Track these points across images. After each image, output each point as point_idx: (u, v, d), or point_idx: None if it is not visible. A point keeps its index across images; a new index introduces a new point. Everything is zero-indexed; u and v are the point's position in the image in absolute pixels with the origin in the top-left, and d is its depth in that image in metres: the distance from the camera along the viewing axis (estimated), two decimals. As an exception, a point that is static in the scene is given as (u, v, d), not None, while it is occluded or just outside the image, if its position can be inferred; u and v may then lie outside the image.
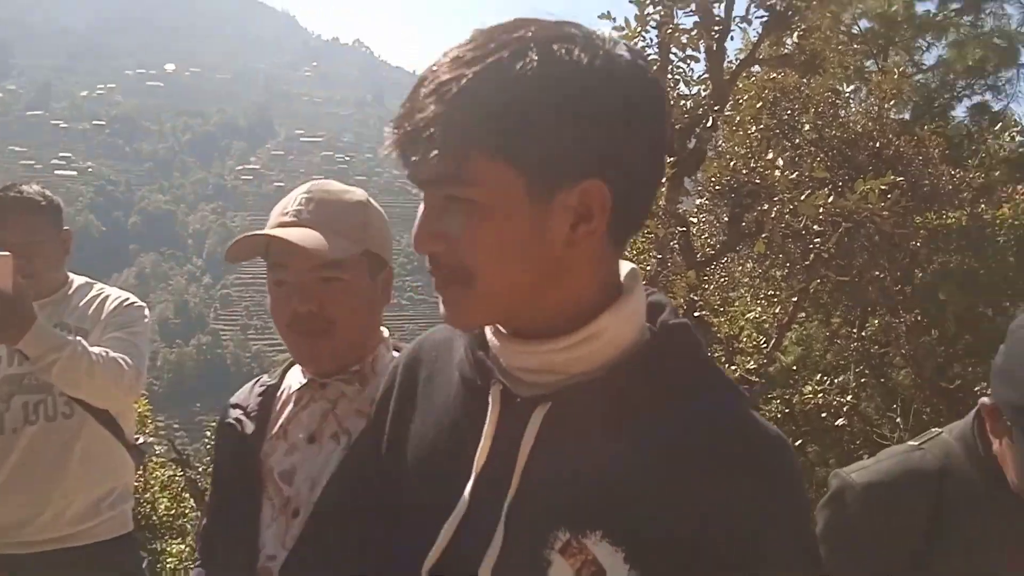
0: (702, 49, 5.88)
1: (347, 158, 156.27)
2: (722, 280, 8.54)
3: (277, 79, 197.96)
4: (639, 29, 5.41)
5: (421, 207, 0.81)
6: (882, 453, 1.25)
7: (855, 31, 10.03)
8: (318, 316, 1.25)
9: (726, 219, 8.67)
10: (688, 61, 6.00)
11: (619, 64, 0.77)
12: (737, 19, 6.15)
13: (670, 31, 5.52)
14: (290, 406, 1.37)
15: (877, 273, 8.95)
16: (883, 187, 7.08)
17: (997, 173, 9.52)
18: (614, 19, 5.29)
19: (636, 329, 0.84)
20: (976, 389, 6.96)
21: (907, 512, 1.15)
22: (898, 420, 7.99)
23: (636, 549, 0.77)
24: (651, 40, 5.57)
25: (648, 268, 6.26)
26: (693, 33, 5.69)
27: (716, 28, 5.95)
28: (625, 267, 0.89)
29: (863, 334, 9.78)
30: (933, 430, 1.25)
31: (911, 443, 1.23)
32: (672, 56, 5.86)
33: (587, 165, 0.77)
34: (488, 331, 0.89)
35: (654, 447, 0.79)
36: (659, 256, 6.44)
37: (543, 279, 0.80)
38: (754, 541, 0.76)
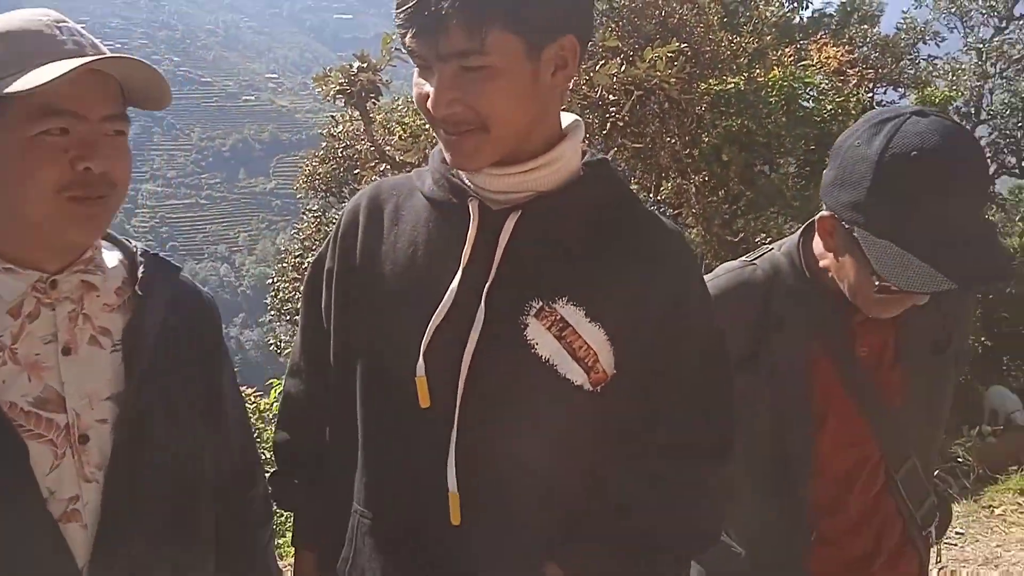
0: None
1: (118, 45, 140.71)
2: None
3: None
4: None
5: (436, 78, 0.95)
6: (719, 268, 1.38)
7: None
8: None
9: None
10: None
11: None
12: None
13: None
14: (8, 320, 1.04)
15: (668, 139, 9.49)
16: (669, 54, 7.38)
17: (768, 38, 10.22)
18: None
19: (578, 160, 1.08)
20: (757, 240, 7.63)
21: (739, 318, 1.27)
22: (692, 274, 8.67)
23: (594, 307, 1.02)
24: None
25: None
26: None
27: None
28: (566, 115, 1.11)
29: (659, 197, 10.44)
30: (764, 247, 1.39)
31: (745, 258, 1.36)
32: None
33: (564, 23, 0.98)
34: None
35: (601, 237, 1.05)
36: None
37: (535, 120, 1.02)
38: (684, 301, 1.04)
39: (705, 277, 1.30)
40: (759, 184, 9.22)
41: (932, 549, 1.41)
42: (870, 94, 16.06)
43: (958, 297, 1.34)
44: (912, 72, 16.66)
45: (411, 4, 0.92)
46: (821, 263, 1.28)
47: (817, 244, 1.29)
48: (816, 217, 1.23)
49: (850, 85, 9.47)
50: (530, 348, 1.02)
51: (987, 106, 17.53)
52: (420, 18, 0.92)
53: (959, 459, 6.48)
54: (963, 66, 17.53)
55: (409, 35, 0.94)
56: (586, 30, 1.02)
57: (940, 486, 1.44)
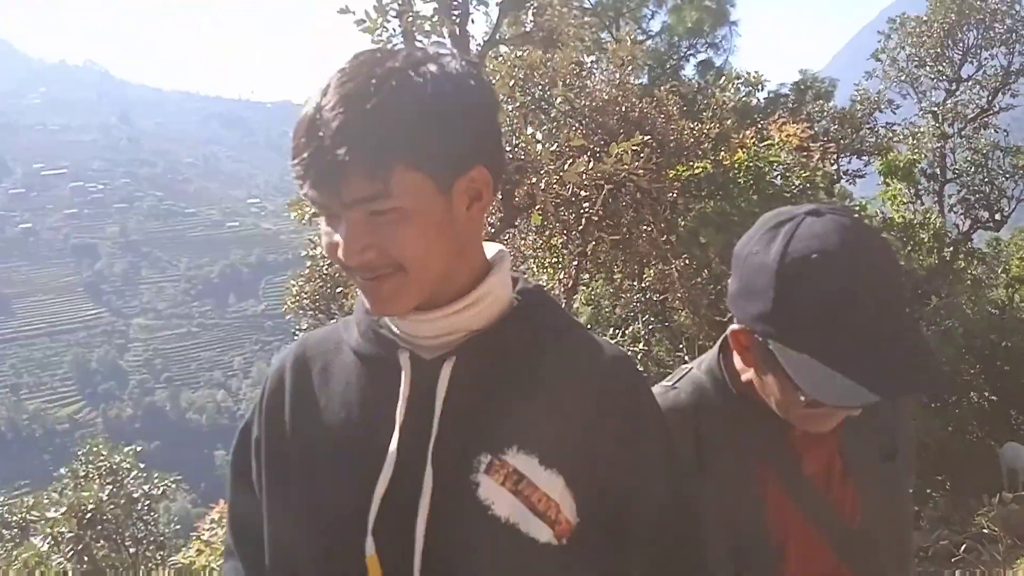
0: (446, 34, 5.95)
1: (100, 186, 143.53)
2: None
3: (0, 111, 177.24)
4: (380, 20, 5.37)
5: (344, 226, 0.90)
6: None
7: (587, 5, 10.61)
8: None
9: (499, 196, 8.91)
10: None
11: (465, 70, 0.94)
12: (474, 2, 6.28)
13: (411, 19, 5.53)
14: None
15: (644, 227, 9.60)
16: (634, 147, 7.53)
17: (729, 122, 10.50)
18: (353, 12, 5.22)
19: (509, 292, 1.02)
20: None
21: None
22: (686, 358, 8.65)
23: (547, 452, 0.94)
24: (394, 30, 5.55)
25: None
26: (434, 19, 5.74)
27: (455, 12, 6.04)
28: (489, 245, 1.06)
29: (643, 285, 10.48)
30: (684, 367, 1.28)
31: (665, 383, 1.25)
32: (418, 44, 5.88)
33: (472, 154, 0.93)
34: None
35: (544, 373, 0.98)
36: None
37: (455, 257, 0.96)
38: (640, 428, 0.98)
39: None
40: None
41: None
42: (835, 165, 16.47)
43: (893, 408, 1.23)
44: (873, 140, 17.11)
45: (305, 155, 0.87)
46: (744, 377, 1.17)
47: (737, 359, 1.18)
48: (728, 331, 1.13)
49: (814, 159, 9.66)
50: (486, 510, 0.93)
51: (951, 165, 17.94)
52: (317, 168, 0.87)
53: (984, 530, 6.27)
54: (921, 129, 18.03)
55: (307, 186, 0.89)
56: (497, 159, 0.97)
57: None
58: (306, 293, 8.85)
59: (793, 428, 1.15)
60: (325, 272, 8.75)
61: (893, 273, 1.02)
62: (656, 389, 1.23)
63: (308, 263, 9.03)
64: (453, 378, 0.96)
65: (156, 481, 9.30)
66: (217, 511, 4.18)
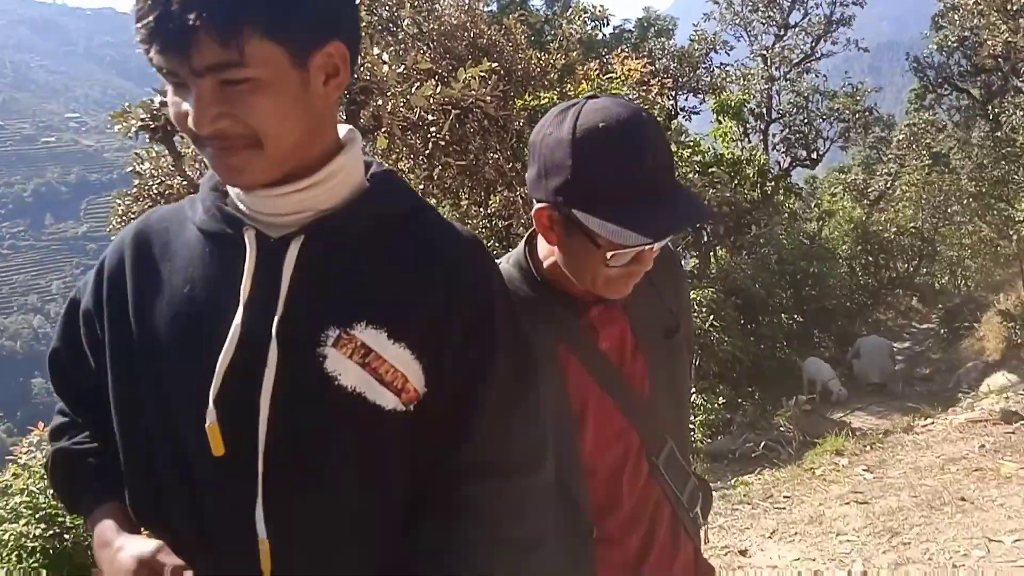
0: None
1: None
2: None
3: None
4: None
5: (194, 94, 0.88)
6: None
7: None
8: None
9: (344, 117, 8.71)
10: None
11: None
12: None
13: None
14: None
15: (491, 155, 9.71)
16: (482, 74, 7.53)
17: (575, 54, 10.71)
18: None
19: (360, 172, 1.02)
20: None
21: None
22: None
23: (396, 326, 0.96)
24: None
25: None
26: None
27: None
28: (342, 126, 1.04)
29: (488, 211, 10.65)
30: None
31: None
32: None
33: (329, 28, 0.92)
34: (231, 188, 1.00)
35: (395, 252, 0.98)
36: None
37: (310, 132, 0.95)
38: (489, 308, 1.00)
39: None
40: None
41: (702, 530, 1.45)
42: (672, 101, 17.19)
43: (675, 286, 1.42)
44: (708, 79, 17.98)
45: (151, 17, 0.83)
46: (547, 264, 1.30)
47: (541, 247, 1.31)
48: (532, 214, 1.24)
49: (652, 94, 10.07)
50: (332, 381, 0.95)
51: (776, 106, 19.18)
52: (164, 32, 0.83)
53: (782, 429, 7.04)
54: (752, 71, 19.07)
55: (154, 51, 0.85)
56: (354, 35, 0.96)
57: (711, 461, 1.51)
58: (133, 213, 8.32)
59: (590, 308, 1.31)
60: (155, 192, 8.29)
61: (664, 137, 1.21)
62: None
63: (136, 181, 8.49)
64: (301, 257, 0.96)
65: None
66: (36, 434, 3.94)
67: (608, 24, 14.88)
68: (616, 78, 9.79)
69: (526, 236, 1.36)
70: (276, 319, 0.94)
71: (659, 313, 1.38)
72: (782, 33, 19.69)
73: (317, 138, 0.97)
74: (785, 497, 4.29)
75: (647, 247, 1.19)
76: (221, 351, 0.95)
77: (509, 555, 1.00)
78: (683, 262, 1.51)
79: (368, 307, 0.96)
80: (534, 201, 1.23)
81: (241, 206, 0.99)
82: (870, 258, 17.92)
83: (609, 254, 1.18)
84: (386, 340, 0.95)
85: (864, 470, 4.41)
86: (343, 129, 1.04)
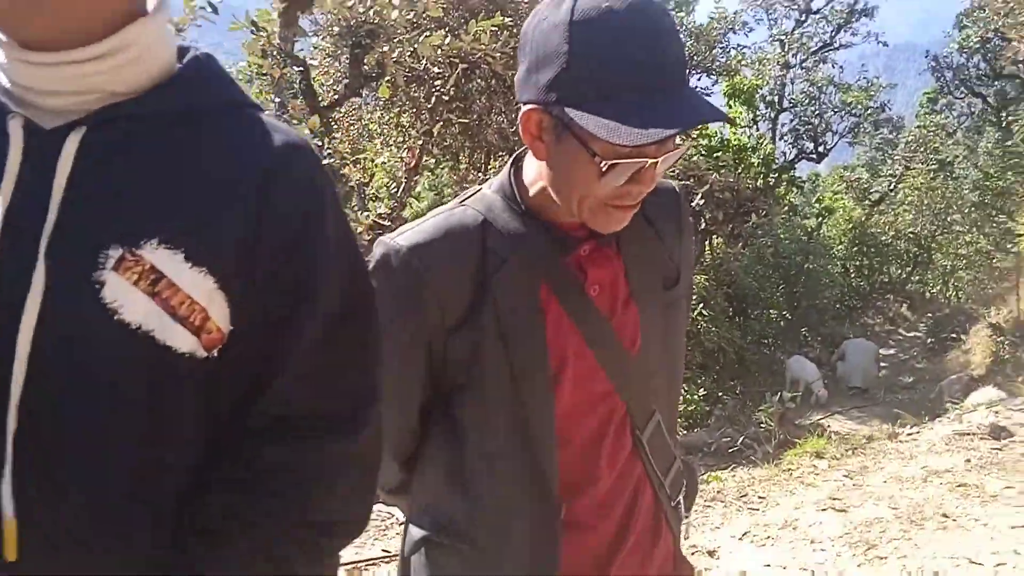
0: None
1: None
2: (353, 130, 8.42)
3: None
4: None
5: None
6: (428, 214, 1.20)
7: None
8: None
9: (347, 60, 8.43)
10: None
11: None
12: None
13: None
14: None
15: (495, 116, 9.46)
16: (494, 27, 7.30)
17: (591, 18, 10.35)
18: None
19: (169, 54, 0.84)
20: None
21: (456, 265, 1.11)
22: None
23: (196, 247, 0.78)
24: None
25: (267, 112, 5.88)
26: None
27: None
28: None
29: (487, 177, 10.43)
30: (474, 187, 1.20)
31: (453, 202, 1.18)
32: None
33: None
34: None
35: (199, 158, 0.81)
36: (278, 100, 6.07)
37: None
38: (313, 231, 0.83)
39: (408, 225, 1.16)
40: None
41: (683, 523, 1.27)
42: (686, 79, 16.79)
43: (678, 230, 1.24)
44: (723, 60, 17.66)
45: None
46: (533, 191, 1.13)
47: (528, 171, 1.15)
48: (519, 119, 1.07)
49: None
50: (112, 315, 0.75)
51: (788, 95, 18.93)
52: None
53: (762, 426, 6.94)
54: (768, 56, 18.77)
55: None
56: None
57: (685, 454, 1.33)
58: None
59: (580, 246, 1.13)
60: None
61: (675, 27, 1.05)
62: (442, 208, 1.18)
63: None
64: (81, 153, 0.77)
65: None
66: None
67: (627, -7, 14.47)
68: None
69: (511, 158, 1.17)
70: (45, 235, 0.75)
71: (658, 259, 1.20)
72: (803, 19, 19.38)
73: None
74: (760, 498, 4.17)
75: (648, 162, 1.01)
76: None
77: (308, 540, 0.83)
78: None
79: (162, 221, 0.78)
80: (521, 106, 1.06)
81: (7, 84, 0.79)
82: (865, 260, 17.85)
83: (605, 164, 1.00)
84: (182, 263, 0.78)
85: (844, 476, 4.30)
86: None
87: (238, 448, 0.82)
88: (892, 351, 14.68)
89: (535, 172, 1.12)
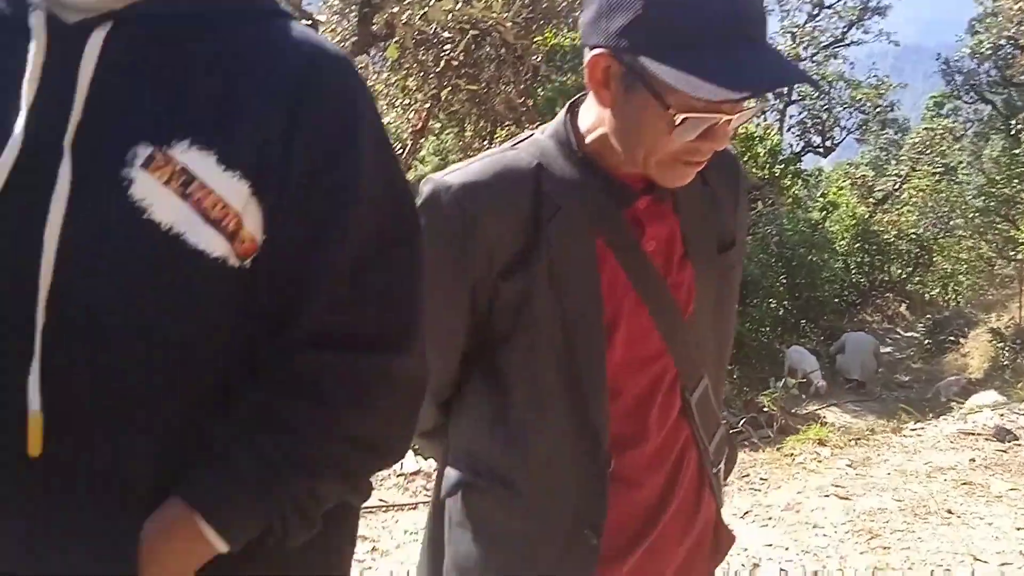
0: None
1: None
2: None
3: None
4: None
5: None
6: (475, 156, 1.15)
7: None
8: None
9: (356, 19, 8.27)
10: None
11: None
12: None
13: None
14: None
15: (504, 86, 9.32)
16: (507, -5, 7.13)
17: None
18: None
19: None
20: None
21: (509, 207, 1.06)
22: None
23: (228, 149, 0.75)
24: None
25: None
26: None
27: None
28: None
29: (493, 145, 10.29)
30: (525, 132, 1.16)
31: (504, 145, 1.14)
32: None
33: None
34: None
35: (233, 60, 0.77)
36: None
37: None
38: (352, 140, 0.79)
39: (457, 165, 1.12)
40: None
41: (723, 490, 1.25)
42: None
43: (734, 195, 1.20)
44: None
45: None
46: (591, 139, 1.08)
47: (584, 120, 1.09)
48: (585, 63, 1.02)
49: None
50: (140, 213, 0.73)
51: (798, 87, 18.78)
52: None
53: (764, 409, 6.87)
54: (779, 47, 18.60)
55: None
56: None
57: (725, 419, 1.30)
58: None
59: (638, 198, 1.09)
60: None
61: None
62: (492, 150, 1.13)
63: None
64: (107, 48, 0.74)
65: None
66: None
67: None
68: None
69: (567, 104, 1.12)
70: (70, 128, 0.73)
71: (714, 221, 1.17)
72: (816, 12, 19.24)
73: None
74: (762, 479, 4.08)
75: (723, 119, 0.97)
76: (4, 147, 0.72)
77: (340, 454, 0.80)
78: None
79: (193, 121, 0.75)
80: (586, 50, 1.01)
81: None
82: (866, 257, 17.77)
83: (678, 118, 0.96)
84: (215, 165, 0.75)
85: (847, 465, 4.21)
86: None
87: (271, 357, 0.79)
88: (889, 349, 14.66)
89: (594, 119, 1.08)
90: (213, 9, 0.79)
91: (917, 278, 19.13)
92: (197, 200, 0.74)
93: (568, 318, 1.07)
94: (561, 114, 1.12)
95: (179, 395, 0.77)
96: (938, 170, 18.81)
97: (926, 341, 14.32)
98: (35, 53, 0.73)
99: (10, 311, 0.72)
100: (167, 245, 0.73)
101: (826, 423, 6.40)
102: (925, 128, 20.51)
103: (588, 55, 1.01)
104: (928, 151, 19.04)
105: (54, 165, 0.72)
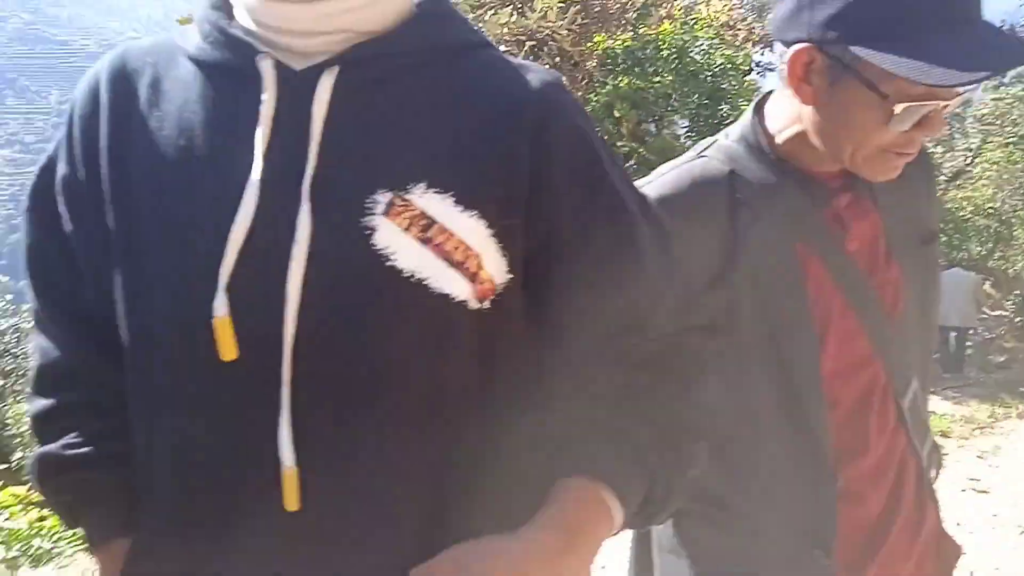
0: None
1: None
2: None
3: None
4: None
5: None
6: (660, 168, 1.10)
7: None
8: None
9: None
10: None
11: None
12: None
13: None
14: None
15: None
16: (560, 4, 7.15)
17: (657, -9, 10.10)
18: None
19: None
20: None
21: (705, 219, 1.02)
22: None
23: (464, 190, 0.74)
24: None
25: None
26: None
27: None
28: None
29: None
30: (707, 140, 1.12)
31: (688, 154, 1.10)
32: None
33: None
34: (237, 3, 0.78)
35: (460, 96, 0.76)
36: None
37: None
38: (579, 173, 0.76)
39: (642, 181, 1.07)
40: (649, 143, 9.17)
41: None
42: (743, 52, 16.49)
43: (928, 184, 1.17)
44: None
45: None
46: (783, 138, 1.05)
47: (774, 119, 1.06)
48: (788, 56, 0.96)
49: (740, 39, 9.49)
50: (383, 260, 0.71)
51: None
52: None
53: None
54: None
55: None
56: None
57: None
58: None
59: (836, 198, 1.04)
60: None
61: None
62: (678, 160, 1.09)
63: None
64: (337, 93, 0.73)
65: (25, 315, 8.68)
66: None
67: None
68: (701, 19, 9.20)
69: (752, 106, 1.09)
70: (307, 177, 0.72)
71: (914, 213, 1.12)
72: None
73: None
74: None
75: (940, 104, 0.93)
76: (233, 219, 0.71)
77: (677, 447, 0.79)
78: None
79: (427, 164, 0.74)
80: (782, 46, 0.97)
81: (253, 26, 0.76)
82: (943, 237, 17.17)
83: (898, 108, 0.91)
84: (453, 207, 0.73)
85: (977, 456, 4.00)
86: None
87: (568, 377, 0.79)
88: (978, 330, 14.06)
89: (788, 117, 1.04)
90: (434, 46, 0.78)
91: (998, 254, 18.41)
92: (438, 244, 0.73)
93: (777, 329, 1.03)
94: (747, 116, 1.08)
95: (431, 437, 0.75)
96: (1011, 140, 18.09)
97: (1016, 319, 13.73)
98: (267, 100, 0.72)
99: (257, 364, 0.71)
100: (411, 292, 0.72)
101: (934, 412, 6.15)
102: (992, 99, 19.77)
103: (786, 52, 0.96)
104: (998, 121, 18.33)
105: (292, 213, 0.71)
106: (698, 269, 0.99)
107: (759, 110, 1.08)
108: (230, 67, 0.76)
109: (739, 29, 9.78)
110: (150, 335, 0.76)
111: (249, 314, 0.71)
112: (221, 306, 0.71)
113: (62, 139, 0.82)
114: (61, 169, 0.81)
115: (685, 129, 9.71)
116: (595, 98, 9.06)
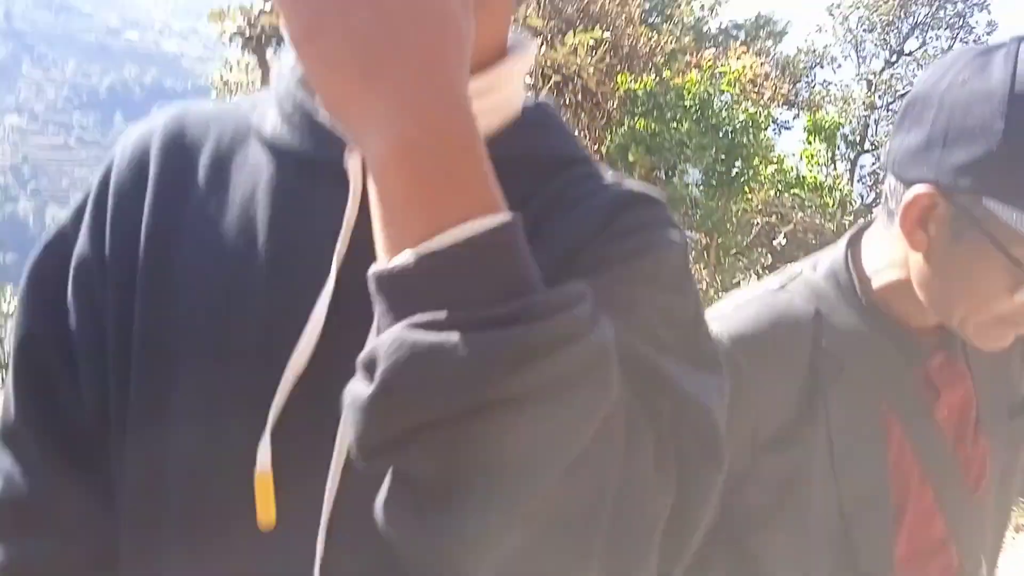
0: None
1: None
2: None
3: None
4: None
5: None
6: (736, 298, 0.99)
7: None
8: None
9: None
10: None
11: None
12: None
13: None
14: None
15: (579, 132, 9.25)
16: (591, 42, 7.11)
17: (687, 39, 10.14)
18: None
19: (521, 97, 0.71)
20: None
21: (785, 365, 0.92)
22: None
23: None
24: None
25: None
26: None
27: None
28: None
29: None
30: (788, 268, 1.01)
31: (769, 286, 0.99)
32: None
33: None
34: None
35: (555, 208, 0.68)
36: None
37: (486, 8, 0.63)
38: (665, 292, 0.66)
39: (719, 309, 0.97)
40: (660, 190, 9.15)
41: None
42: (766, 111, 16.60)
43: (1022, 345, 1.04)
44: (807, 95, 17.23)
45: None
46: (879, 283, 0.94)
47: (871, 259, 0.95)
48: (905, 199, 0.86)
49: (764, 98, 9.49)
50: None
51: (871, 136, 18.39)
52: None
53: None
54: (854, 95, 18.32)
55: None
56: None
57: None
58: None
59: (930, 357, 0.94)
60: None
61: None
62: (757, 292, 0.97)
63: (214, 93, 8.19)
64: None
65: (9, 297, 8.44)
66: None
67: (717, 16, 14.28)
68: (730, 73, 9.20)
69: (846, 238, 0.97)
70: None
71: (1005, 381, 1.01)
72: (894, 59, 18.85)
73: (490, 21, 0.64)
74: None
75: None
76: (293, 342, 0.60)
77: None
78: None
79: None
80: (896, 181, 0.87)
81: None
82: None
83: None
84: None
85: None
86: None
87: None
88: None
89: (889, 260, 0.93)
90: (523, 153, 0.70)
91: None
92: None
93: (847, 502, 0.92)
94: (839, 251, 0.96)
95: None
96: None
97: None
98: (351, 204, 0.62)
99: (293, 534, 0.59)
100: None
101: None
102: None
103: (901, 188, 0.86)
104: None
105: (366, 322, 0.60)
106: (766, 421, 0.90)
107: (853, 244, 0.97)
108: (312, 160, 0.65)
109: (764, 87, 9.77)
110: (161, 476, 0.64)
111: (293, 469, 0.59)
112: (264, 453, 0.59)
113: (86, 211, 0.68)
114: (81, 248, 0.67)
115: (698, 180, 9.69)
116: (611, 139, 9.03)
